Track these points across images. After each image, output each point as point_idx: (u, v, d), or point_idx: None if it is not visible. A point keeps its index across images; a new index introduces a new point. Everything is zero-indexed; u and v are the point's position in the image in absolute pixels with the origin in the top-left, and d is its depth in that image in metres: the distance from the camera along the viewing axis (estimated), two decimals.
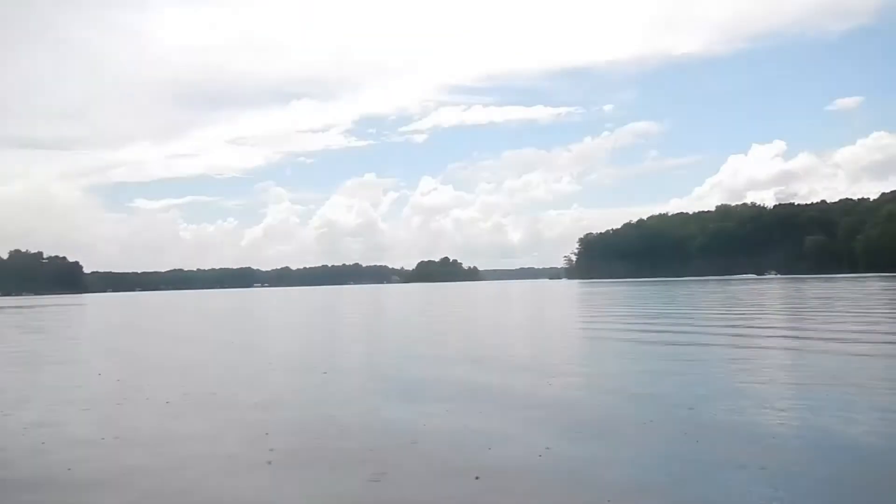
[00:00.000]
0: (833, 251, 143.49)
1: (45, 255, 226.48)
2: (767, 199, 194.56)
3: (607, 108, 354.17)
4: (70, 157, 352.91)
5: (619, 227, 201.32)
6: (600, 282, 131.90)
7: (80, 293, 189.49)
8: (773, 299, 38.47)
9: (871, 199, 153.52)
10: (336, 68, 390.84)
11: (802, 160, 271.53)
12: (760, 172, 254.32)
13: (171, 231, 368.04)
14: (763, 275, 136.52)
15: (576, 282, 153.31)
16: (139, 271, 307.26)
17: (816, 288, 53.25)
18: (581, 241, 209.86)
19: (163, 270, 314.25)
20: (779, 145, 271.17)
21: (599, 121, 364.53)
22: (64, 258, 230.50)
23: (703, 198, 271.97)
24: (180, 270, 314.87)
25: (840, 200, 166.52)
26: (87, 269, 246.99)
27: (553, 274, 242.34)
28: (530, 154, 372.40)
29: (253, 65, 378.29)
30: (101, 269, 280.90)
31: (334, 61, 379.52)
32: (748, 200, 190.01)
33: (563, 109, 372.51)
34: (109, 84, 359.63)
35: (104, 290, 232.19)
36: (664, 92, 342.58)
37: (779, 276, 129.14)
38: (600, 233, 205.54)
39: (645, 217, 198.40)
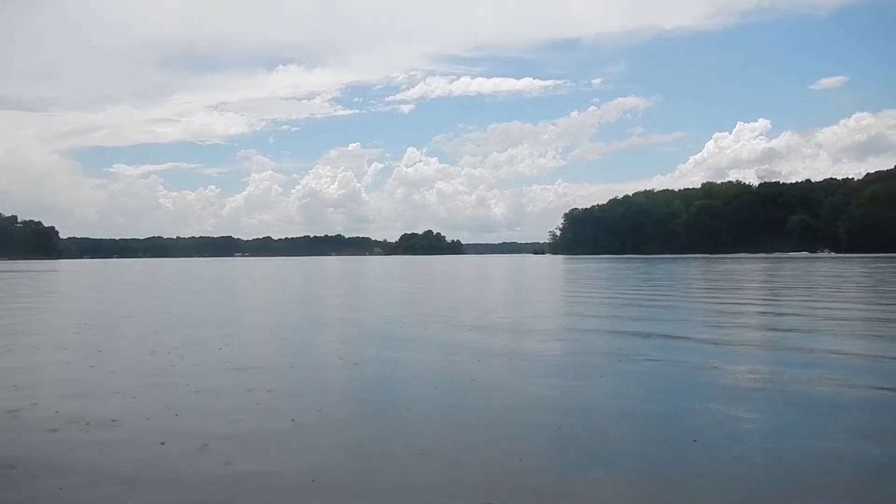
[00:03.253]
0: (816, 231, 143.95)
1: (19, 220, 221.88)
2: (749, 177, 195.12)
3: (595, 81, 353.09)
4: (47, 118, 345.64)
5: (604, 202, 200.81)
6: (590, 258, 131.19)
7: (55, 259, 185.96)
8: None
9: (856, 180, 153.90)
10: (323, 34, 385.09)
11: (785, 139, 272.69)
12: (743, 151, 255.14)
13: (150, 197, 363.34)
14: (815, 252, 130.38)
15: (560, 257, 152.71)
16: (117, 238, 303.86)
17: None
18: (566, 216, 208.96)
19: (141, 237, 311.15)
20: (763, 124, 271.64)
21: (587, 95, 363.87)
22: (39, 223, 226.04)
23: (686, 175, 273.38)
24: (159, 238, 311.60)
25: (824, 180, 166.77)
26: (63, 235, 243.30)
27: (536, 249, 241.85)
28: (516, 127, 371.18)
29: (238, 28, 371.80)
30: (78, 235, 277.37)
31: (321, 27, 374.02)
32: (731, 178, 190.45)
33: (551, 82, 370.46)
34: (89, 44, 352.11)
35: (80, 257, 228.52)
36: (652, 67, 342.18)
37: (833, 254, 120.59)
38: (585, 208, 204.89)
39: (628, 193, 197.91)
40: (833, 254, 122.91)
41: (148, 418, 6.28)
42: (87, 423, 6.09)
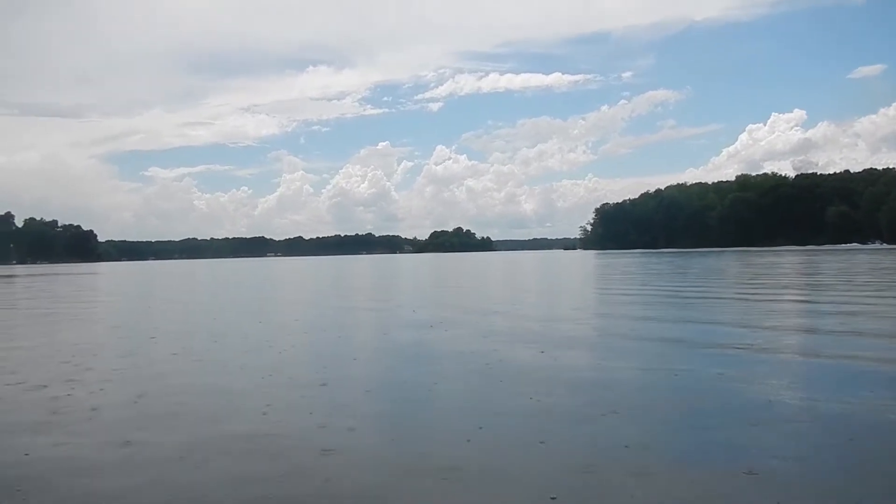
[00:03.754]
0: (855, 222, 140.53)
1: (59, 224, 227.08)
2: (784, 169, 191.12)
3: (625, 75, 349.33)
4: (84, 124, 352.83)
5: (636, 196, 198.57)
6: (623, 253, 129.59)
7: (94, 262, 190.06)
8: None
9: None
10: (352, 34, 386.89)
11: (822, 130, 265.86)
12: (778, 142, 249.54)
13: (185, 200, 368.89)
14: (865, 243, 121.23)
15: (592, 253, 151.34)
16: (153, 240, 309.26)
17: None
18: (597, 210, 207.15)
19: (176, 239, 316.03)
20: (799, 114, 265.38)
21: (617, 89, 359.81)
22: (78, 227, 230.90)
23: (719, 168, 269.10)
24: (194, 239, 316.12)
25: (864, 170, 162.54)
26: (101, 238, 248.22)
27: (567, 245, 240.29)
28: (545, 123, 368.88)
29: (267, 30, 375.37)
30: (116, 238, 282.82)
31: (349, 27, 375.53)
32: (766, 171, 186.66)
33: (580, 77, 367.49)
34: (122, 50, 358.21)
35: (118, 259, 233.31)
36: (683, 59, 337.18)
37: (886, 245, 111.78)
38: (617, 203, 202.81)
39: (660, 187, 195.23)
40: (885, 245, 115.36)
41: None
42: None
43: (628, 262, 64.43)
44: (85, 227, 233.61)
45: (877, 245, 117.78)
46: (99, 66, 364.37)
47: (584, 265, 58.20)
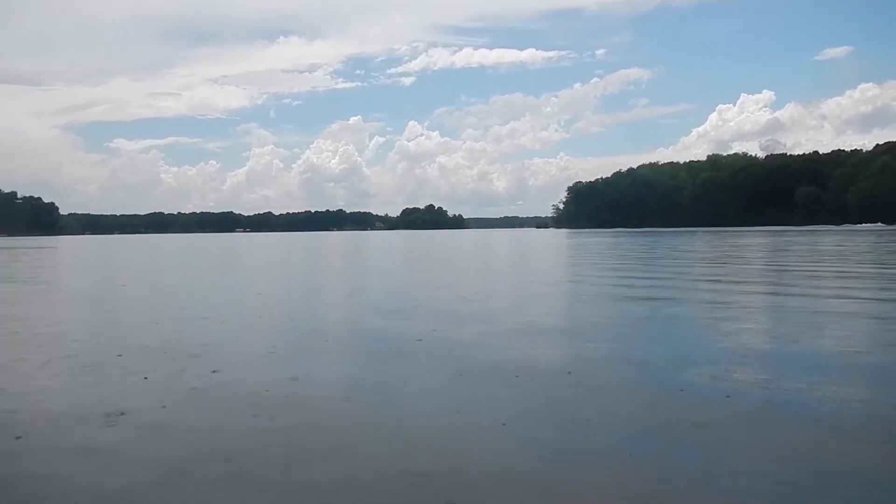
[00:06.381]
0: (824, 202, 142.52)
1: (18, 196, 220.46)
2: (753, 149, 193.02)
3: (599, 52, 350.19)
4: (46, 93, 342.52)
5: (607, 175, 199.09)
6: (597, 232, 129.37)
7: (56, 235, 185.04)
8: None
9: (864, 151, 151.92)
10: (324, 4, 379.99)
11: (790, 111, 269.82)
12: (747, 123, 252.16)
13: (151, 173, 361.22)
14: (892, 224, 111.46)
15: (565, 231, 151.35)
16: (118, 214, 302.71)
17: None
18: (570, 189, 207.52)
19: (142, 213, 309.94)
20: (767, 95, 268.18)
21: (590, 66, 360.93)
22: (39, 199, 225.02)
23: (689, 148, 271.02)
24: (160, 214, 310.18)
25: (832, 152, 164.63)
26: (63, 211, 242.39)
27: (539, 223, 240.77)
28: (518, 100, 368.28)
29: None
30: (79, 211, 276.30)
31: None
32: (735, 151, 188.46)
33: (554, 53, 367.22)
34: (88, 16, 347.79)
35: (81, 233, 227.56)
36: (657, 37, 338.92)
37: None
38: (589, 181, 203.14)
39: (632, 166, 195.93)
40: None
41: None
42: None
43: (611, 242, 64.01)
44: (46, 200, 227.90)
45: None
46: (62, 33, 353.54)
47: (562, 247, 57.55)
